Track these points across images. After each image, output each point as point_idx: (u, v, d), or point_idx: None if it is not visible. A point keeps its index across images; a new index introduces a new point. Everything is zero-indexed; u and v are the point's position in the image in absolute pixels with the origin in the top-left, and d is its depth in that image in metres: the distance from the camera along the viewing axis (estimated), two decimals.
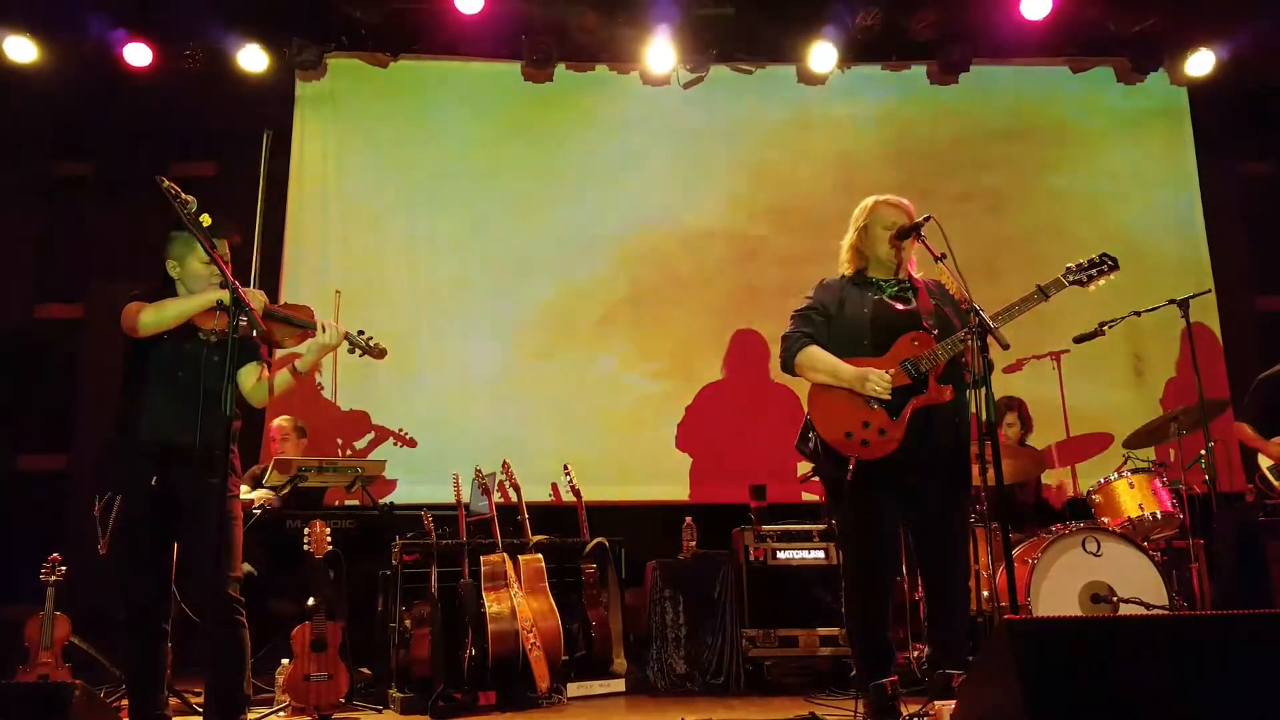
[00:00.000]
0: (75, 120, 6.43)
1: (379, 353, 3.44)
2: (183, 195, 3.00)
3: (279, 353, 3.57)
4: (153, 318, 3.21)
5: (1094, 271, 3.41)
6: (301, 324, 3.36)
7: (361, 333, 3.42)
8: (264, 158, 3.73)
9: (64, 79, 6.11)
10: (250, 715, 3.29)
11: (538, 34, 6.39)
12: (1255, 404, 4.84)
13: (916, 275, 3.57)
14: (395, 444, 6.11)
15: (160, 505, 3.16)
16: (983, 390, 3.02)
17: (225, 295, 3.03)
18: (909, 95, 6.79)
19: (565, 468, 5.33)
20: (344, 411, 6.19)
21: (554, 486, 5.88)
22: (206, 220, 3.06)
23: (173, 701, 3.50)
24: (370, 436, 6.17)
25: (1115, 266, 3.42)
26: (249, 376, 3.36)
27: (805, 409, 3.51)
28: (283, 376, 3.38)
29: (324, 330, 3.31)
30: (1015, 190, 6.69)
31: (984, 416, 2.97)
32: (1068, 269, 3.42)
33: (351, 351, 3.40)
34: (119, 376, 3.35)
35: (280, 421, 5.36)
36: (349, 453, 6.11)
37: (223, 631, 3.12)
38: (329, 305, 5.69)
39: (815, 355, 3.43)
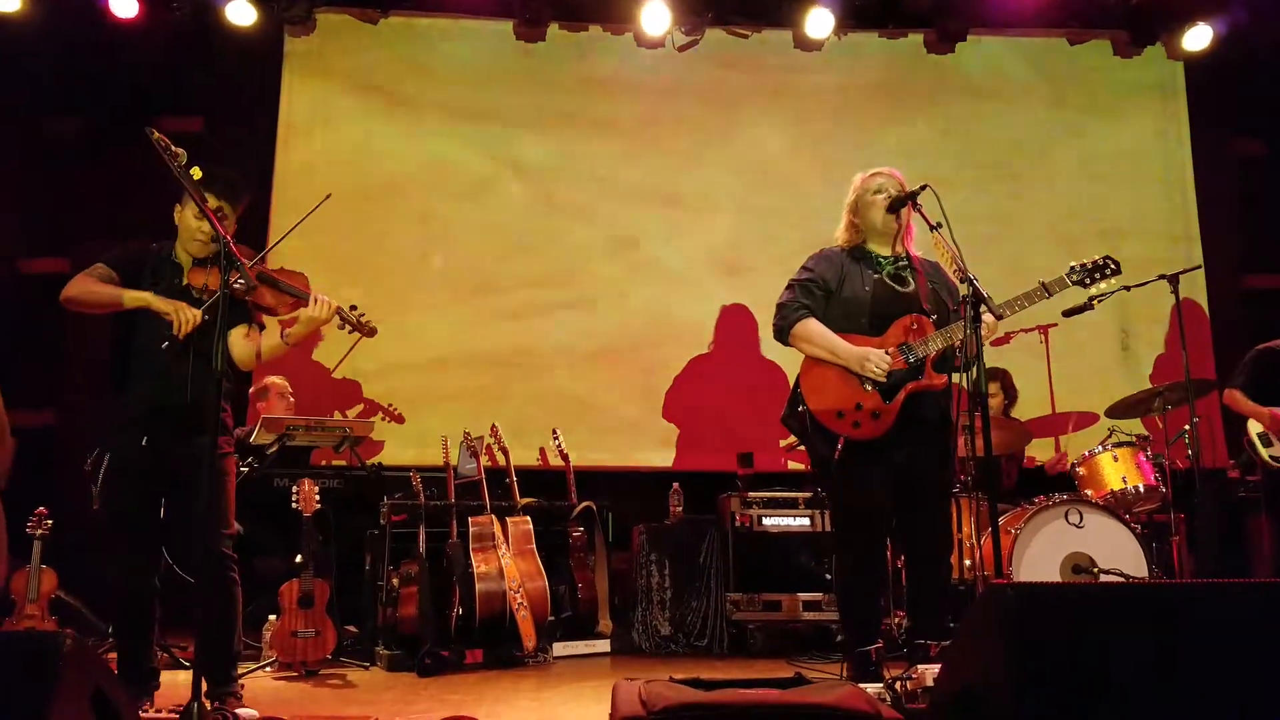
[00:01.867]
0: (61, 72, 6.32)
1: (369, 331, 3.42)
2: (173, 148, 2.96)
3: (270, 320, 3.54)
4: (75, 293, 3.17)
5: (1096, 274, 3.46)
6: (295, 292, 3.32)
7: (354, 308, 3.39)
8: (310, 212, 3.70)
9: (50, 29, 6.01)
10: (238, 670, 3.31)
11: None
12: (1248, 373, 4.86)
13: (916, 253, 3.57)
14: (383, 419, 6.09)
15: (150, 462, 3.15)
16: (975, 365, 3.04)
17: (177, 321, 3.06)
18: (905, 63, 6.76)
19: (554, 432, 5.35)
20: (335, 380, 6.16)
21: (542, 451, 5.90)
22: (197, 173, 3.02)
23: (161, 656, 3.51)
24: (360, 408, 6.15)
25: (1117, 270, 3.48)
26: (238, 337, 3.32)
27: (792, 383, 3.52)
28: (272, 341, 3.34)
29: (315, 303, 3.27)
30: (1009, 161, 6.68)
31: (974, 389, 2.99)
32: (1071, 268, 3.46)
33: (342, 327, 3.37)
34: (107, 333, 3.33)
35: (277, 380, 5.32)
36: (338, 416, 6.09)
37: (214, 587, 3.12)
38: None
39: (813, 329, 3.43)
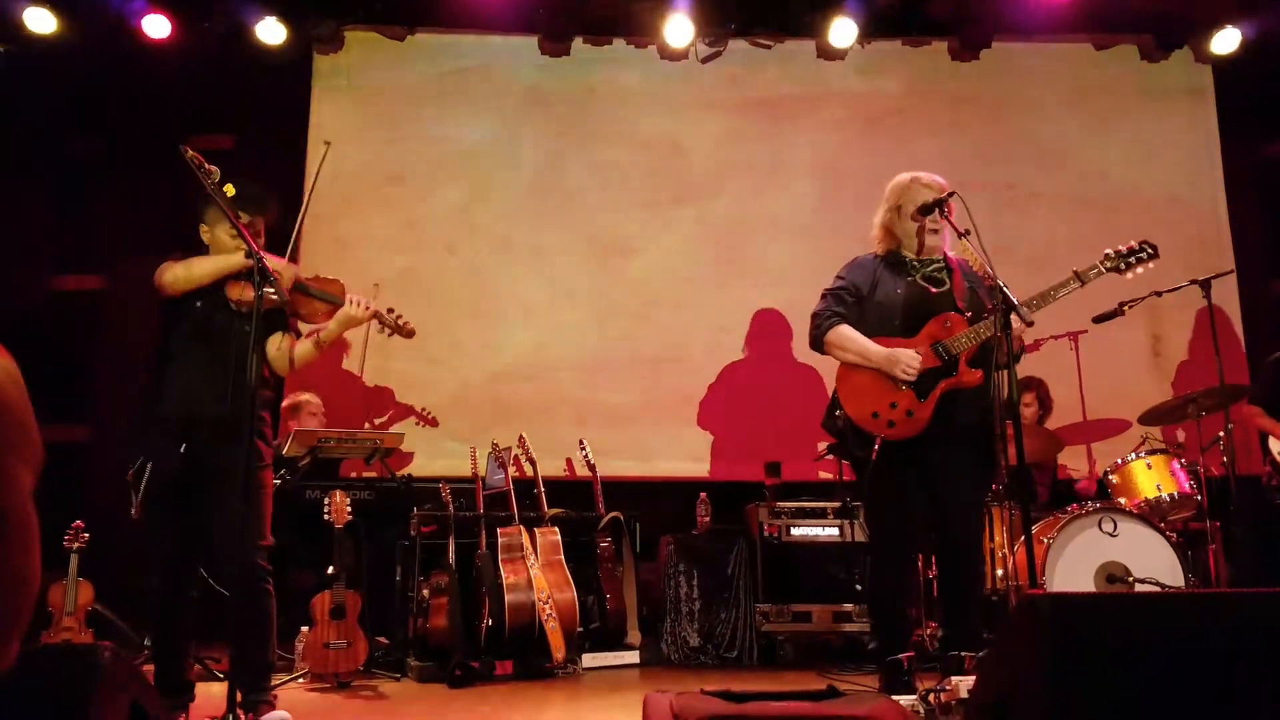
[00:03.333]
0: (94, 91, 6.43)
1: (408, 333, 3.47)
2: (206, 165, 3.01)
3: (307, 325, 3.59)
4: (180, 273, 3.24)
5: (1132, 259, 3.37)
6: (331, 299, 3.37)
7: (391, 310, 3.44)
8: (319, 168, 3.75)
9: (83, 50, 6.11)
10: (272, 681, 3.33)
11: (555, 8, 6.36)
12: (1266, 386, 4.81)
13: (951, 254, 3.55)
14: (417, 423, 6.12)
15: (188, 473, 3.19)
16: (1006, 371, 3.03)
17: (252, 261, 3.05)
18: (929, 71, 6.74)
19: (581, 442, 5.36)
20: (368, 388, 6.21)
21: (569, 461, 5.92)
22: (230, 190, 3.08)
23: (195, 667, 3.55)
24: (391, 414, 6.19)
25: (1155, 254, 3.39)
26: (272, 345, 3.37)
27: (829, 388, 3.53)
28: (304, 347, 3.40)
29: (353, 304, 3.33)
30: (1037, 169, 6.63)
31: (1008, 396, 2.97)
32: (1106, 255, 3.39)
33: (381, 330, 3.42)
34: (142, 347, 3.38)
35: (309, 397, 5.37)
36: (368, 428, 6.14)
37: (249, 599, 3.15)
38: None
39: (845, 334, 3.44)
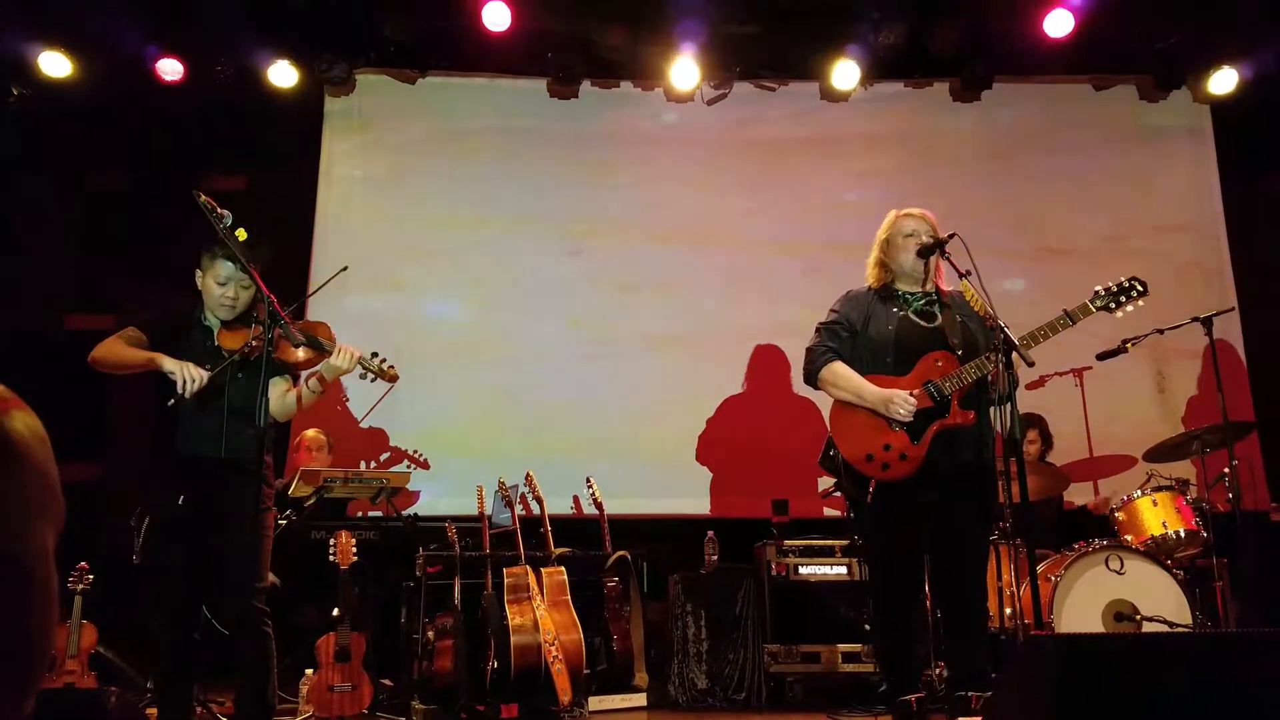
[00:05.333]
0: (109, 133, 6.54)
1: (390, 378, 3.40)
2: (218, 209, 3.06)
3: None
4: (101, 354, 3.24)
5: (1123, 297, 3.37)
6: (317, 344, 3.38)
7: (375, 355, 3.42)
8: (325, 281, 3.79)
9: (97, 93, 6.22)
10: None
11: (564, 51, 6.46)
12: None
13: (945, 288, 3.57)
14: (409, 466, 6.14)
15: (193, 517, 3.21)
16: (1006, 407, 3.03)
17: (181, 379, 3.10)
18: (931, 112, 6.82)
19: (588, 480, 5.36)
20: (363, 429, 6.23)
21: (575, 499, 5.91)
22: (242, 235, 3.12)
23: (199, 710, 3.54)
24: (386, 456, 6.22)
25: (1145, 291, 3.39)
26: (276, 391, 3.38)
27: (827, 421, 3.53)
28: (310, 390, 3.42)
29: (339, 354, 3.32)
30: (1038, 208, 6.69)
31: (1008, 434, 2.98)
32: (1096, 293, 3.39)
33: (364, 376, 3.38)
34: (151, 388, 3.40)
35: (314, 434, 5.40)
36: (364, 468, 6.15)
37: (250, 641, 3.16)
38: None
39: (839, 372, 3.44)
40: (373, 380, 3.41)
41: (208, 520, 3.21)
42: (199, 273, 3.39)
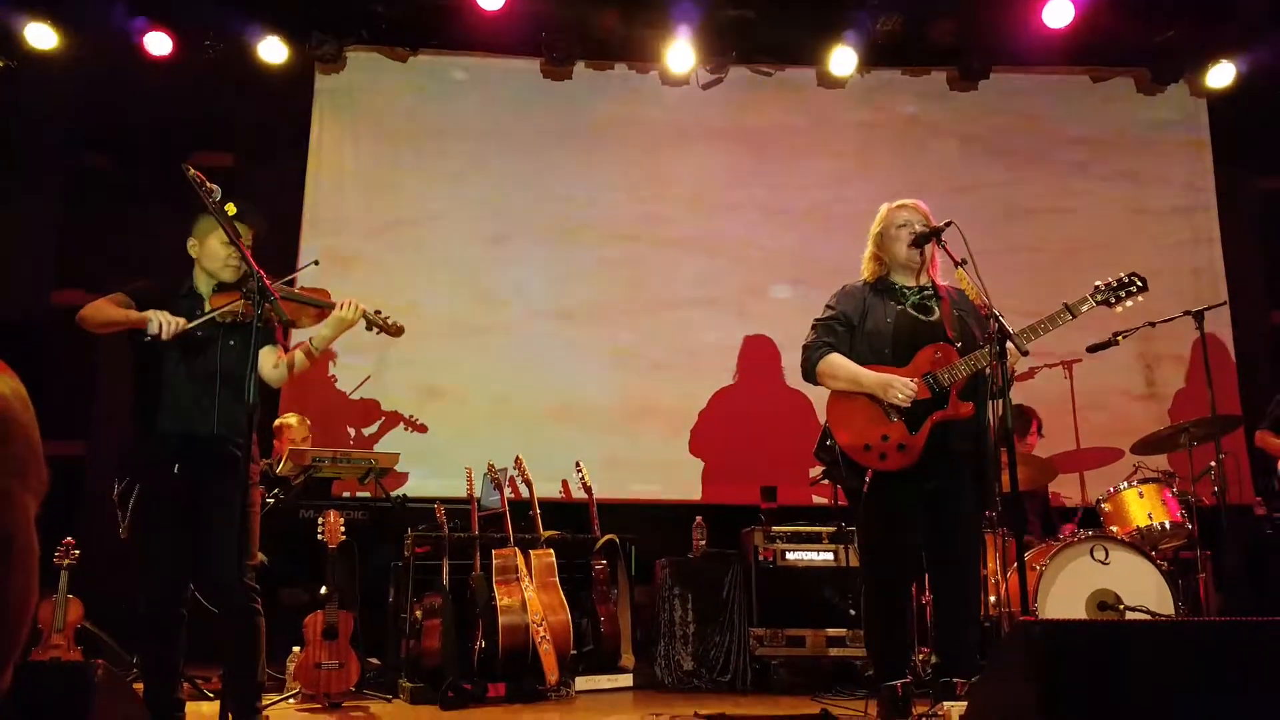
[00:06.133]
0: (95, 108, 6.46)
1: (396, 330, 3.45)
2: (208, 183, 3.03)
3: (294, 334, 3.59)
4: (85, 313, 3.21)
5: (1122, 292, 3.37)
6: (315, 302, 3.39)
7: (378, 311, 3.45)
8: (301, 267, 3.77)
9: (84, 66, 6.14)
10: (263, 701, 3.32)
11: (557, 32, 6.41)
12: (1277, 413, 4.85)
13: (941, 281, 3.57)
14: (406, 429, 6.11)
15: (180, 493, 3.19)
16: (1001, 400, 3.04)
17: (156, 322, 3.07)
18: (928, 100, 6.80)
19: (577, 464, 5.36)
20: (353, 400, 6.20)
21: (564, 483, 5.92)
22: (231, 209, 3.09)
23: (185, 687, 3.53)
24: (380, 422, 6.19)
25: (1144, 287, 3.39)
26: (266, 360, 3.36)
27: (820, 412, 3.53)
28: (299, 358, 3.40)
29: (344, 306, 3.34)
30: (1032, 199, 6.69)
31: (1000, 423, 2.98)
32: (1096, 288, 3.39)
33: (369, 329, 3.41)
34: (132, 364, 3.37)
35: (292, 421, 5.36)
36: (354, 440, 6.11)
37: (239, 619, 3.15)
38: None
39: (836, 363, 3.44)
40: (378, 333, 3.43)
41: (196, 496, 3.20)
42: (193, 240, 3.36)
